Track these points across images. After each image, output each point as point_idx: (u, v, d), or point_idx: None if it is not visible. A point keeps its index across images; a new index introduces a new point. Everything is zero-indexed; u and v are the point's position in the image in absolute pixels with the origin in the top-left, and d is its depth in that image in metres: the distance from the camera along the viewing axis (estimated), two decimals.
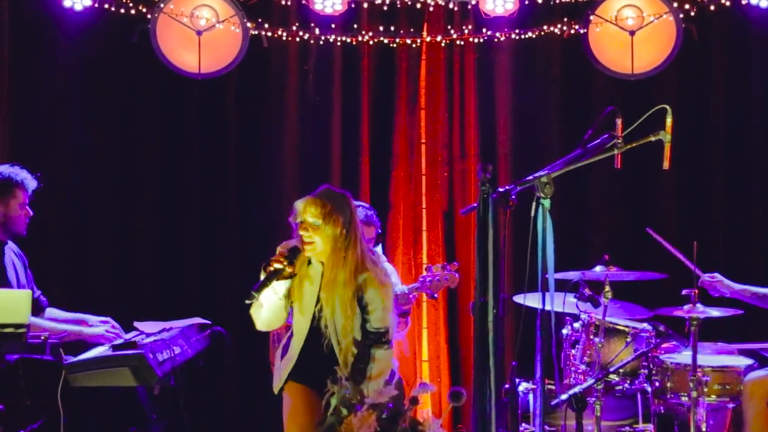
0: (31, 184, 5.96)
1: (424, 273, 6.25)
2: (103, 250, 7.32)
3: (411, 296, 6.17)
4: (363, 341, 4.81)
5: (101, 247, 7.32)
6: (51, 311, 6.09)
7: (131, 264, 7.27)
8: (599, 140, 4.37)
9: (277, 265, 4.78)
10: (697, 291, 5.66)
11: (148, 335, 5.66)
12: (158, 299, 7.10)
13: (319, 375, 4.55)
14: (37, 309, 5.86)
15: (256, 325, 4.96)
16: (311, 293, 4.87)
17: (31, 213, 5.98)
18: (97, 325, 5.98)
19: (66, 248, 7.26)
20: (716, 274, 6.01)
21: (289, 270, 4.79)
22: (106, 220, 7.32)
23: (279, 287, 4.85)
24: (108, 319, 6.04)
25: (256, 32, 7.21)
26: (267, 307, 4.89)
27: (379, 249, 6.58)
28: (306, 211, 4.79)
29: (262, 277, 4.80)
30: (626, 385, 5.87)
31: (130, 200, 7.33)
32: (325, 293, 4.82)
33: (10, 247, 5.98)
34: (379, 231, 6.46)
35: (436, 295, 6.38)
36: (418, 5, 7.26)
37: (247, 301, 4.80)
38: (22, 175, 5.94)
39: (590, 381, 5.58)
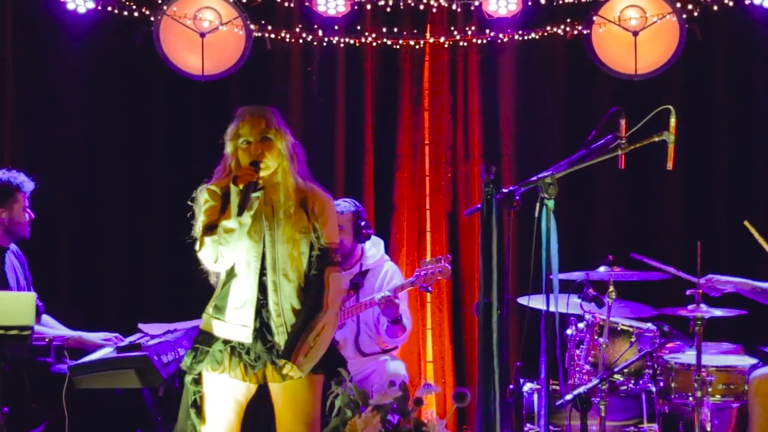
0: (29, 186, 5.98)
1: (419, 267, 6.26)
2: (107, 252, 7.32)
3: (395, 296, 6.16)
4: (316, 262, 4.53)
5: (106, 248, 7.33)
6: (46, 319, 6.09)
7: (136, 265, 7.28)
8: (603, 141, 4.37)
9: (250, 179, 4.38)
10: (700, 291, 5.66)
11: (153, 337, 5.68)
12: (163, 301, 7.11)
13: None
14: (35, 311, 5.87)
15: (212, 262, 4.45)
16: (256, 224, 4.47)
17: (33, 215, 5.99)
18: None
19: (70, 249, 7.27)
20: (710, 276, 5.99)
21: (261, 183, 4.45)
22: (111, 222, 7.33)
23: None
24: (107, 335, 6.03)
25: (259, 34, 7.22)
26: (232, 238, 4.41)
27: (381, 248, 6.58)
28: (254, 129, 4.48)
29: (234, 196, 4.37)
30: (631, 385, 5.87)
31: (135, 202, 7.34)
32: (269, 218, 4.49)
33: (11, 250, 5.99)
34: (370, 231, 6.43)
35: (430, 289, 6.38)
36: (421, 7, 7.26)
37: (235, 226, 4.37)
38: (21, 178, 5.96)
39: (595, 381, 5.58)
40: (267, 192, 4.51)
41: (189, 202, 4.58)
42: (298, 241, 4.51)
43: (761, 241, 6.11)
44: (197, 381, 4.51)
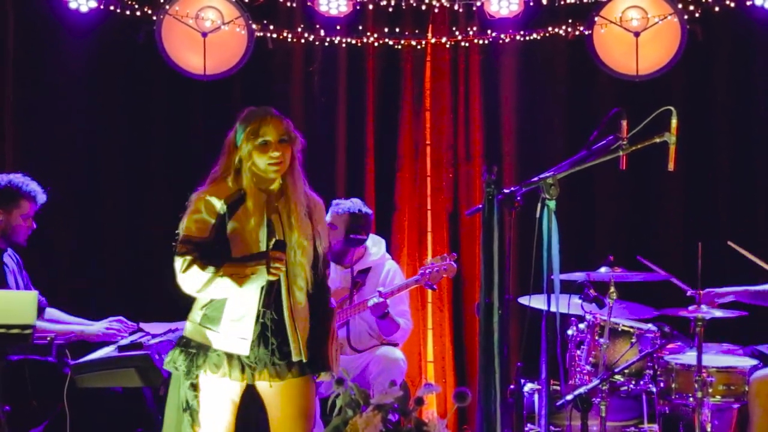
0: (41, 198, 5.95)
1: (424, 265, 6.27)
2: (108, 251, 7.33)
3: (385, 301, 6.17)
4: (321, 267, 4.52)
5: (107, 247, 7.34)
6: (51, 312, 6.10)
7: (137, 264, 7.29)
8: (604, 142, 4.37)
9: (281, 272, 4.33)
10: (701, 292, 5.66)
11: (154, 336, 5.68)
12: (164, 300, 7.11)
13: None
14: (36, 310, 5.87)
15: (194, 292, 4.35)
16: (262, 232, 4.38)
17: (34, 226, 5.97)
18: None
19: (71, 249, 7.28)
20: (709, 290, 5.94)
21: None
22: (112, 221, 7.34)
23: None
24: (111, 320, 6.05)
25: (261, 34, 7.23)
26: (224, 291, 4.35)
27: (382, 246, 6.59)
28: (277, 130, 4.38)
29: (258, 281, 4.28)
30: (631, 386, 5.88)
31: (136, 201, 7.35)
32: (277, 225, 4.41)
33: (7, 253, 5.99)
34: (360, 237, 6.42)
35: (435, 287, 6.38)
36: (423, 7, 7.27)
37: (237, 293, 4.29)
38: (32, 186, 5.92)
39: (595, 381, 5.59)
40: (275, 199, 4.45)
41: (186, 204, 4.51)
42: (306, 249, 4.45)
43: (750, 256, 6.12)
44: (195, 386, 4.44)
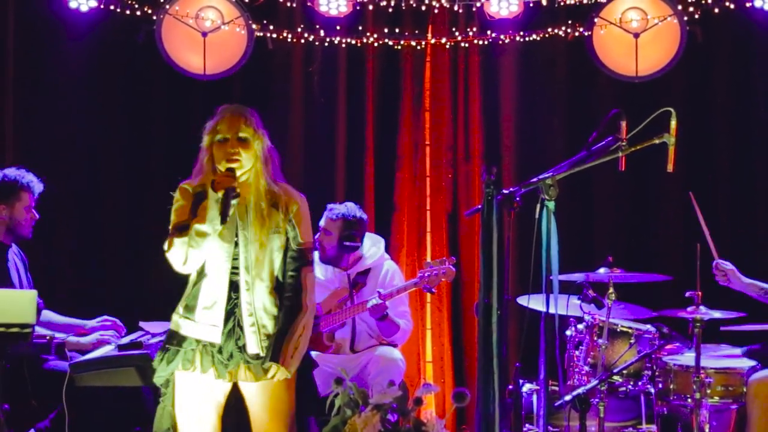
0: (37, 187, 5.97)
1: (423, 268, 6.27)
2: (108, 250, 7.34)
3: (384, 303, 6.17)
4: (292, 262, 4.55)
5: (106, 246, 7.34)
6: (46, 314, 6.09)
7: (137, 263, 7.28)
8: (604, 142, 4.38)
9: (228, 185, 4.38)
10: (700, 293, 5.66)
11: (154, 335, 5.68)
12: (164, 299, 7.10)
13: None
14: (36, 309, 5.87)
15: (181, 264, 4.45)
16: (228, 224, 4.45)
17: (37, 216, 5.99)
18: (95, 327, 6.00)
19: (72, 247, 7.28)
20: (729, 263, 5.96)
21: (238, 189, 4.45)
22: (112, 221, 7.34)
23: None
24: (105, 318, 6.05)
25: (261, 34, 7.23)
26: (205, 242, 4.41)
27: (381, 246, 6.59)
28: (234, 126, 4.48)
29: (213, 202, 4.37)
30: (630, 387, 5.89)
31: (136, 200, 7.35)
32: (242, 219, 4.48)
33: (13, 250, 5.99)
34: (354, 244, 6.42)
35: (434, 290, 6.39)
36: (423, 7, 7.27)
37: (209, 231, 4.37)
38: (28, 178, 5.95)
39: (594, 382, 5.59)
40: (244, 186, 4.52)
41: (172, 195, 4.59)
42: (269, 242, 4.52)
43: (700, 219, 6.03)
44: (168, 383, 4.53)
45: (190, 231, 4.40)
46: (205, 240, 4.40)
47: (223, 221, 4.38)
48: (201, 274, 4.52)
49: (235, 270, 4.50)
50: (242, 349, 4.48)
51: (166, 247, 4.47)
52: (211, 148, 4.52)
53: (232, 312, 4.49)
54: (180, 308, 4.57)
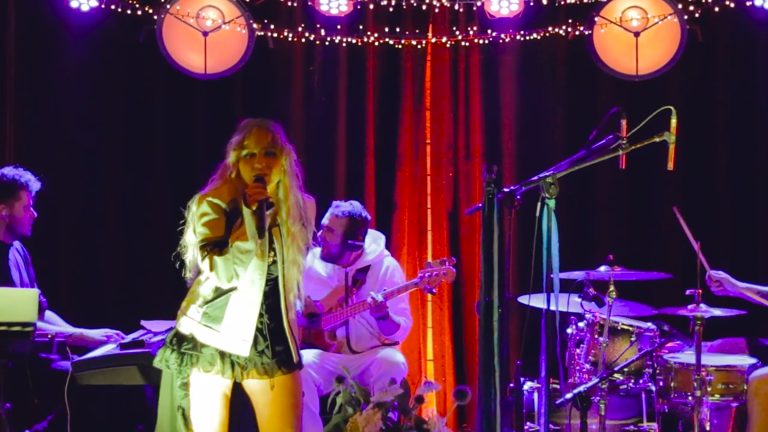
0: (35, 185, 5.98)
1: (423, 268, 6.28)
2: (110, 249, 7.34)
3: (385, 302, 6.18)
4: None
5: (109, 246, 7.34)
6: (50, 315, 6.10)
7: (139, 262, 7.29)
8: (604, 141, 4.38)
9: (262, 197, 4.35)
10: (701, 291, 5.67)
11: (156, 334, 5.69)
12: (165, 298, 7.12)
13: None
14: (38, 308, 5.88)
15: (225, 282, 4.36)
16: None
17: (36, 214, 6.00)
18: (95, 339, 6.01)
19: (73, 247, 7.28)
20: (721, 272, 6.00)
21: (272, 200, 4.42)
22: (114, 220, 7.35)
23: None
24: (109, 331, 6.04)
25: (262, 33, 7.24)
26: (249, 259, 4.39)
27: (381, 243, 6.60)
28: (262, 141, 4.43)
29: (249, 217, 4.33)
30: (630, 385, 5.89)
31: (137, 200, 7.35)
32: (277, 237, 4.48)
33: (15, 247, 6.00)
34: (360, 243, 6.43)
35: (434, 290, 6.41)
36: (424, 6, 7.28)
37: (252, 248, 4.33)
38: (26, 176, 5.96)
39: (595, 380, 5.60)
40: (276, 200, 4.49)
41: (183, 209, 4.51)
42: (301, 259, 4.54)
43: (685, 229, 6.04)
44: (185, 385, 4.49)
45: (231, 249, 4.32)
46: (250, 257, 4.35)
47: (262, 235, 4.33)
48: (230, 287, 4.44)
49: (276, 290, 4.46)
50: (261, 353, 4.44)
51: (207, 267, 4.35)
52: (238, 163, 4.46)
53: (261, 327, 4.45)
54: (196, 313, 4.46)
